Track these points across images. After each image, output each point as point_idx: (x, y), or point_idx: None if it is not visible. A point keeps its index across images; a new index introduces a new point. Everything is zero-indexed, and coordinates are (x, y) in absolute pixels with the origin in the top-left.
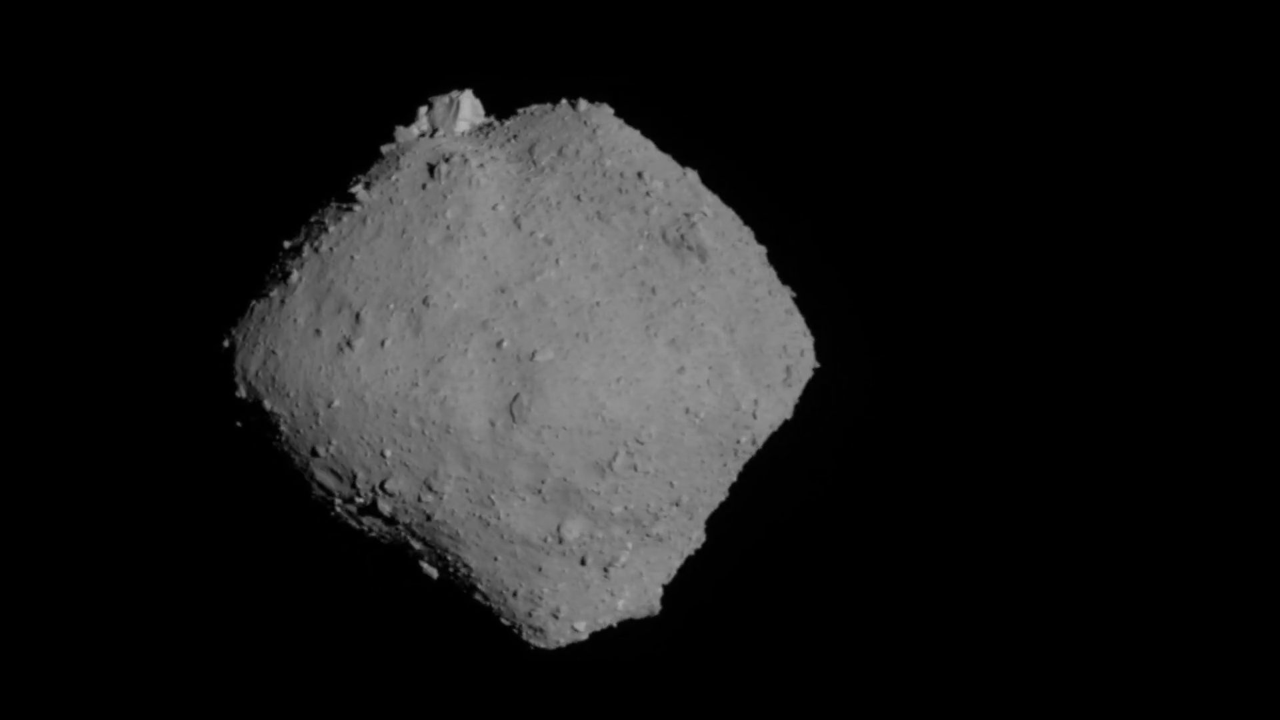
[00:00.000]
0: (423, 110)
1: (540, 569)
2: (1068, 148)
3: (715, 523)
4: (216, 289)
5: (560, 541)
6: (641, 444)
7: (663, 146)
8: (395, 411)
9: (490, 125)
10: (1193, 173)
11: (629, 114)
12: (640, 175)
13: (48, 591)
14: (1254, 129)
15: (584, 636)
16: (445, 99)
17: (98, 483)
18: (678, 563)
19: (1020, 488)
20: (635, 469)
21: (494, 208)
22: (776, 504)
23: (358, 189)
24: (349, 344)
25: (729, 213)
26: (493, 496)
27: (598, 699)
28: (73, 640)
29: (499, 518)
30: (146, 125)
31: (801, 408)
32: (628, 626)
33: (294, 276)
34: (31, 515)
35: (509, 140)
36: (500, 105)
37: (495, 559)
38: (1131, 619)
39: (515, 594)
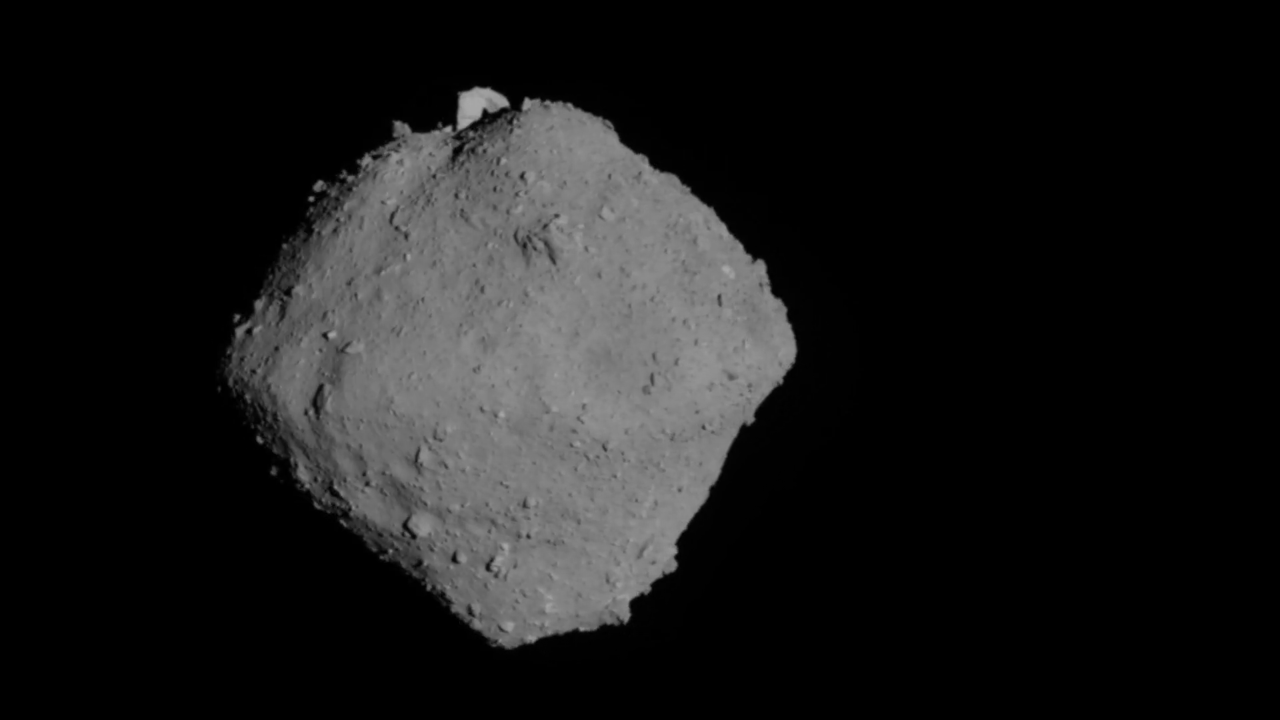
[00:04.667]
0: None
1: (421, 563)
2: (1052, 155)
3: (693, 525)
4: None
5: (414, 537)
6: (440, 440)
7: (667, 148)
8: (244, 397)
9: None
10: (1170, 178)
11: (650, 115)
12: (523, 176)
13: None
14: (1240, 131)
15: (523, 638)
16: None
17: (112, 478)
18: (614, 569)
19: (1005, 496)
20: (446, 466)
21: (382, 203)
22: (756, 505)
23: (319, 183)
24: (234, 331)
25: (666, 217)
26: (335, 486)
27: (570, 700)
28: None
29: (351, 508)
30: (157, 127)
31: (785, 411)
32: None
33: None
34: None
35: (458, 139)
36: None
37: (386, 551)
38: (1111, 617)
39: (423, 587)
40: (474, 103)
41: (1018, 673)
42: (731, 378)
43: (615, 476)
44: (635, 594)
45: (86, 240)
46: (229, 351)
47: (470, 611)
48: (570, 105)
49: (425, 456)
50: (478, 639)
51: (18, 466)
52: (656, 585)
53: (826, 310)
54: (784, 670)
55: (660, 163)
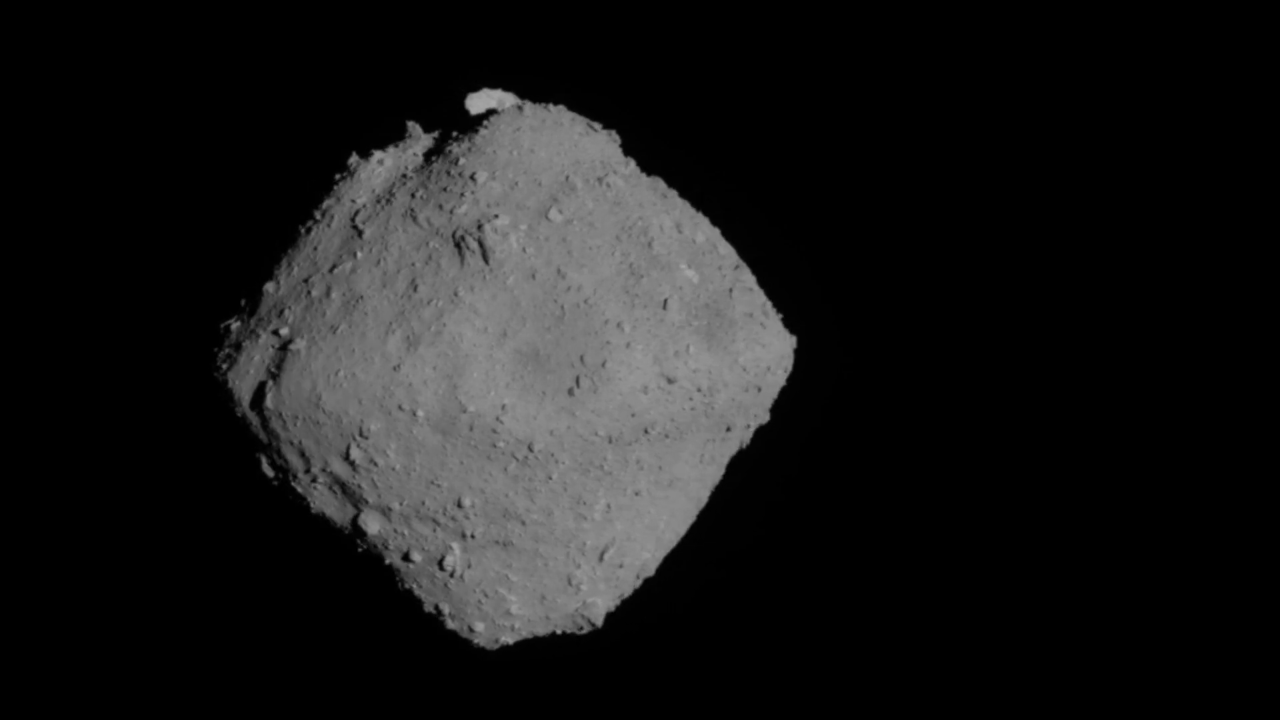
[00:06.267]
0: None
1: (384, 561)
2: (1038, 159)
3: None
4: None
5: (363, 535)
6: (366, 438)
7: (673, 151)
8: (214, 390)
9: None
10: (1155, 178)
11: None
12: (473, 176)
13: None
14: (1217, 132)
15: (499, 639)
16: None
17: (113, 475)
18: (575, 572)
19: (991, 507)
20: (376, 464)
21: (353, 201)
22: (741, 507)
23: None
24: (219, 328)
25: (623, 220)
26: (291, 482)
27: (557, 702)
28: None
29: (310, 504)
30: (179, 128)
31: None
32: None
33: None
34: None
35: (440, 140)
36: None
37: (354, 552)
38: (1098, 607)
39: (394, 584)
40: (482, 103)
41: (1005, 680)
42: (670, 381)
43: (551, 478)
44: (610, 597)
45: (116, 238)
46: (216, 349)
47: (439, 611)
48: (558, 107)
49: (356, 454)
50: (457, 640)
51: (18, 464)
52: (639, 589)
53: (824, 313)
54: (769, 673)
55: (666, 165)
